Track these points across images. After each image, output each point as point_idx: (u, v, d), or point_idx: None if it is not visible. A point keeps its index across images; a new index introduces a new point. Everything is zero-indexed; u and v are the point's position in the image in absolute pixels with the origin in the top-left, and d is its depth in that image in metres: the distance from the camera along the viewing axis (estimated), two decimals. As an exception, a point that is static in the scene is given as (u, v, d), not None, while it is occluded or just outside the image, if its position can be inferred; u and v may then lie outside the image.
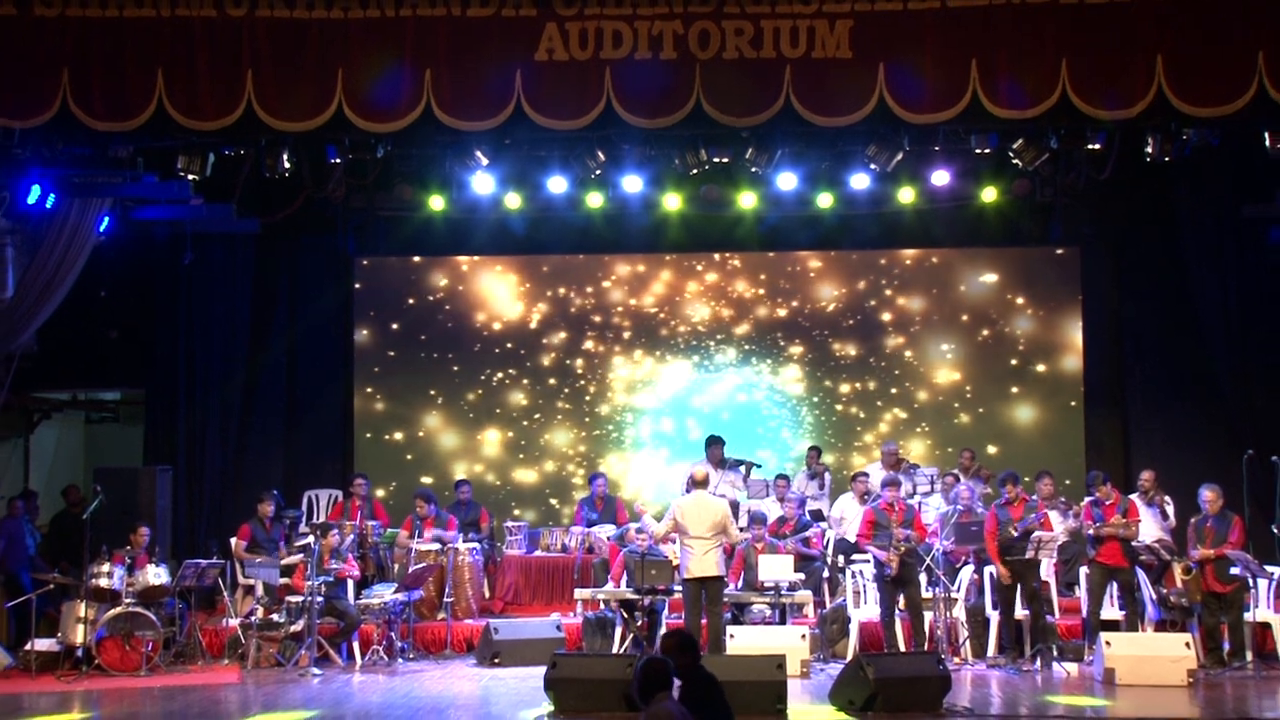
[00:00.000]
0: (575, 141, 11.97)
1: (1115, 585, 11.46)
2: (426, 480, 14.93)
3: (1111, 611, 11.57)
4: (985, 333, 15.39)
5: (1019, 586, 11.37)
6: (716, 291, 15.64)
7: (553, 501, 15.50)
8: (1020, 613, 11.48)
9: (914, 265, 15.51)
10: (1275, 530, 11.80)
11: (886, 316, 15.47)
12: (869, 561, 11.80)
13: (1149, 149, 11.51)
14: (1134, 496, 12.19)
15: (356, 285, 15.63)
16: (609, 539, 12.99)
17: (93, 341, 14.81)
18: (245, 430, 14.97)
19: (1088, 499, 11.91)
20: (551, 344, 15.62)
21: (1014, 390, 15.30)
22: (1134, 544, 11.65)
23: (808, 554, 12.63)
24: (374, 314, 15.64)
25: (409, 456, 15.52)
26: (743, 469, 13.94)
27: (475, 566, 13.02)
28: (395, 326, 15.63)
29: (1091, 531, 11.44)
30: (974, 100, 10.66)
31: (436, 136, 11.68)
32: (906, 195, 14.30)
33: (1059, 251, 15.37)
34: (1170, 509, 12.44)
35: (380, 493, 14.78)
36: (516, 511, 15.07)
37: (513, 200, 14.19)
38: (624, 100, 10.75)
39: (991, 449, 14.93)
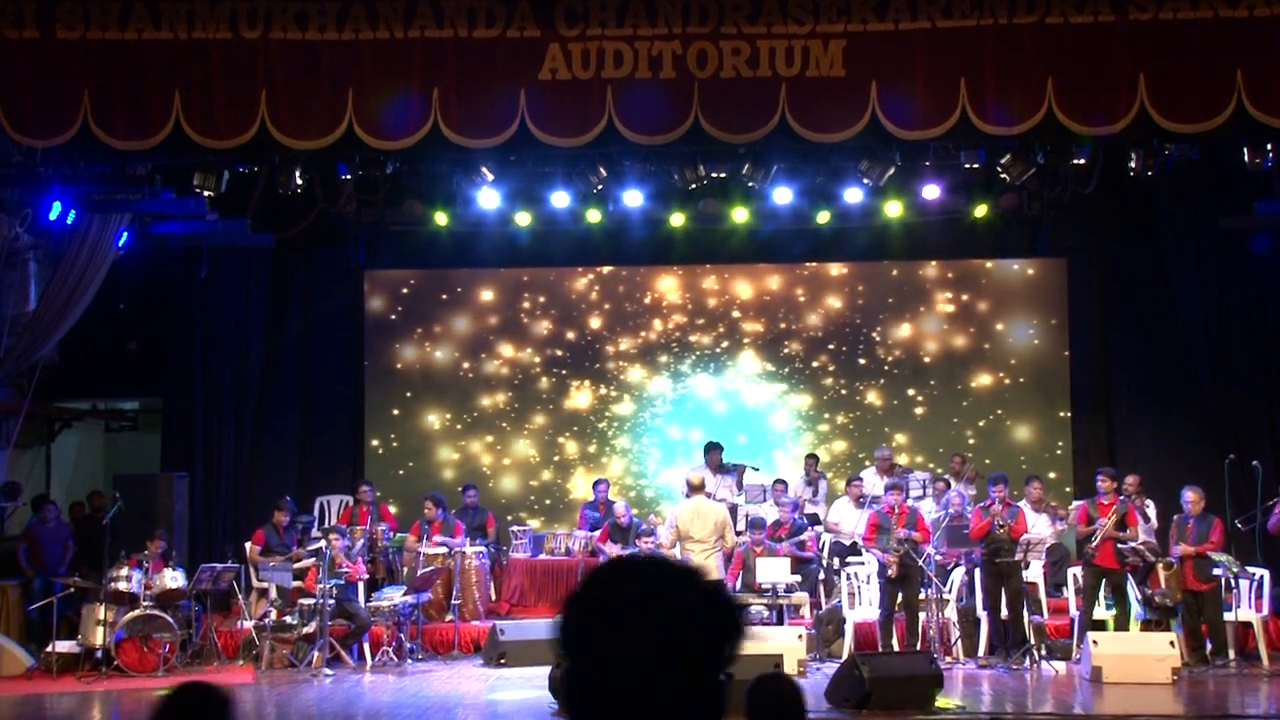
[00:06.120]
0: (578, 158, 12.06)
1: (1109, 586, 11.64)
2: (433, 486, 14.97)
3: (1098, 612, 11.75)
4: (976, 342, 15.51)
5: (1003, 588, 11.56)
6: (714, 302, 15.76)
7: (558, 506, 15.63)
8: (1003, 613, 11.65)
9: (905, 277, 15.65)
10: (1239, 525, 11.95)
11: (878, 327, 15.58)
12: (864, 563, 11.98)
13: (1132, 164, 11.63)
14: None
15: (367, 297, 15.76)
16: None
17: (112, 353, 15.00)
18: (259, 437, 15.05)
19: (1081, 501, 12.06)
20: (556, 354, 15.75)
21: (1004, 398, 15.40)
22: (1121, 547, 11.94)
23: (804, 557, 12.73)
24: (384, 325, 15.76)
25: (418, 463, 15.63)
26: (738, 472, 14.07)
27: (482, 570, 13.15)
28: (404, 336, 15.76)
29: (1099, 534, 11.51)
30: (963, 117, 10.76)
31: (444, 154, 11.81)
32: (898, 209, 14.34)
33: (1046, 263, 15.49)
34: (1152, 511, 12.52)
35: (389, 499, 14.87)
36: (522, 516, 15.25)
37: (518, 215, 14.32)
38: (625, 118, 10.86)
39: (984, 457, 14.91)
